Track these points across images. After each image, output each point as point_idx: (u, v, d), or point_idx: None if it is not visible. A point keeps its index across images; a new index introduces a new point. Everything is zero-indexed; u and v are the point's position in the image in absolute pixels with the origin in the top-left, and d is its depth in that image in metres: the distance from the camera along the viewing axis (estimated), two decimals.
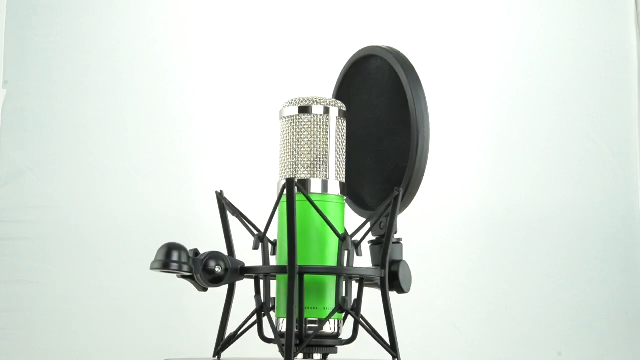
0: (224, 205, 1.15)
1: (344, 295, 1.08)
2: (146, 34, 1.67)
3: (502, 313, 1.70)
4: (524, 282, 1.71)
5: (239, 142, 1.69)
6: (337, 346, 1.11)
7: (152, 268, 1.07)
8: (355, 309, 1.10)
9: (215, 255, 1.09)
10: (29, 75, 1.64)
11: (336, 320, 1.10)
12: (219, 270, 1.09)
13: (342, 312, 1.08)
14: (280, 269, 1.08)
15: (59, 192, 1.62)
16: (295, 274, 1.04)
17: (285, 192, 1.05)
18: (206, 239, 1.64)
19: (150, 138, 1.65)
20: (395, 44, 1.73)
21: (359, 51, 1.23)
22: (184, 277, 1.09)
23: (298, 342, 1.07)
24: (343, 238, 1.08)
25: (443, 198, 1.71)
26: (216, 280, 1.09)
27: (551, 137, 1.75)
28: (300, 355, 1.09)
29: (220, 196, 1.15)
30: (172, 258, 1.05)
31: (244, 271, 1.11)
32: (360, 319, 1.11)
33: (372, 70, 1.22)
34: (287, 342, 1.02)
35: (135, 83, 1.66)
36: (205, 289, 1.11)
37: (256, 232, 1.12)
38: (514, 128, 1.75)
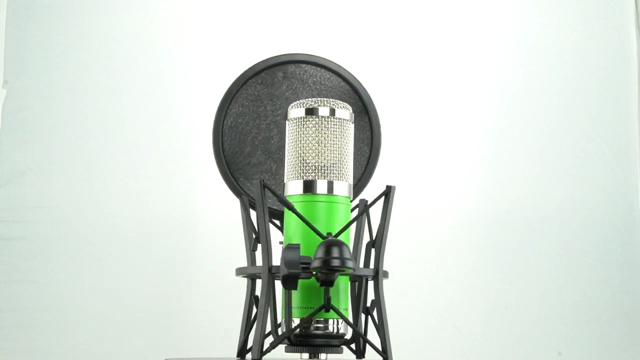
0: (265, 196, 1.10)
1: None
2: (146, 34, 1.67)
3: (502, 313, 1.70)
4: (524, 282, 1.71)
5: None
6: (330, 346, 1.11)
7: (312, 267, 1.02)
8: (365, 309, 1.11)
9: None
10: (29, 75, 1.64)
11: (336, 320, 1.10)
12: None
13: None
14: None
15: (59, 192, 1.62)
16: (381, 278, 1.08)
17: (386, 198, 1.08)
18: (206, 239, 1.64)
19: (150, 138, 1.65)
20: (398, 42, 1.74)
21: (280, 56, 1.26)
22: (305, 271, 1.03)
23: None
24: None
25: (443, 198, 1.71)
26: None
27: (551, 137, 1.75)
28: (305, 355, 1.09)
29: (265, 185, 1.10)
30: (332, 254, 1.00)
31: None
32: (353, 319, 1.11)
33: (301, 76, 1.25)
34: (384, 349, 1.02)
35: (135, 83, 1.66)
36: (295, 288, 1.07)
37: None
38: (513, 128, 1.75)
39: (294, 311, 1.09)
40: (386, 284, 1.18)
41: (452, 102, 1.74)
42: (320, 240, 1.06)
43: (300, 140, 1.10)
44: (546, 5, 1.77)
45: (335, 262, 0.99)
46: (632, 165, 1.75)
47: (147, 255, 1.63)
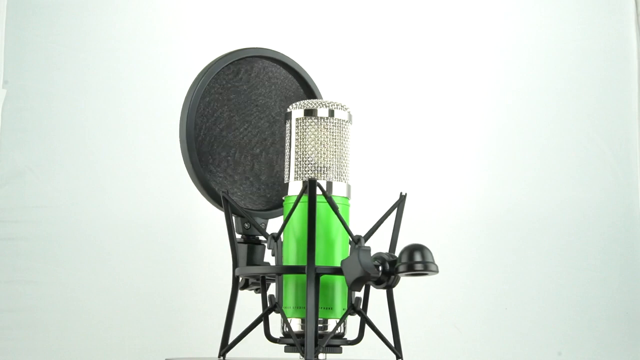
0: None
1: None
2: (146, 34, 1.67)
3: (502, 313, 1.70)
4: (524, 282, 1.71)
5: None
6: (342, 346, 1.11)
7: (399, 271, 1.04)
8: (362, 310, 1.11)
9: None
10: (29, 75, 1.63)
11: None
12: None
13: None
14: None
15: (59, 192, 1.62)
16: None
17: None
18: (206, 239, 1.65)
19: (151, 138, 1.65)
20: (399, 42, 1.74)
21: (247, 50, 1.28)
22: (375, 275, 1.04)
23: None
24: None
25: (443, 198, 1.71)
26: None
27: (551, 137, 1.75)
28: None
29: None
30: (415, 259, 1.03)
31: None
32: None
33: (262, 72, 1.25)
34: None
35: (135, 83, 1.66)
36: (360, 290, 1.07)
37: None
38: (514, 128, 1.75)
39: (299, 311, 1.08)
40: None
41: (452, 102, 1.74)
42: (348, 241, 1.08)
43: (299, 141, 1.10)
44: (546, 5, 1.78)
45: (419, 267, 1.03)
46: (632, 165, 1.76)
47: (147, 255, 1.63)
